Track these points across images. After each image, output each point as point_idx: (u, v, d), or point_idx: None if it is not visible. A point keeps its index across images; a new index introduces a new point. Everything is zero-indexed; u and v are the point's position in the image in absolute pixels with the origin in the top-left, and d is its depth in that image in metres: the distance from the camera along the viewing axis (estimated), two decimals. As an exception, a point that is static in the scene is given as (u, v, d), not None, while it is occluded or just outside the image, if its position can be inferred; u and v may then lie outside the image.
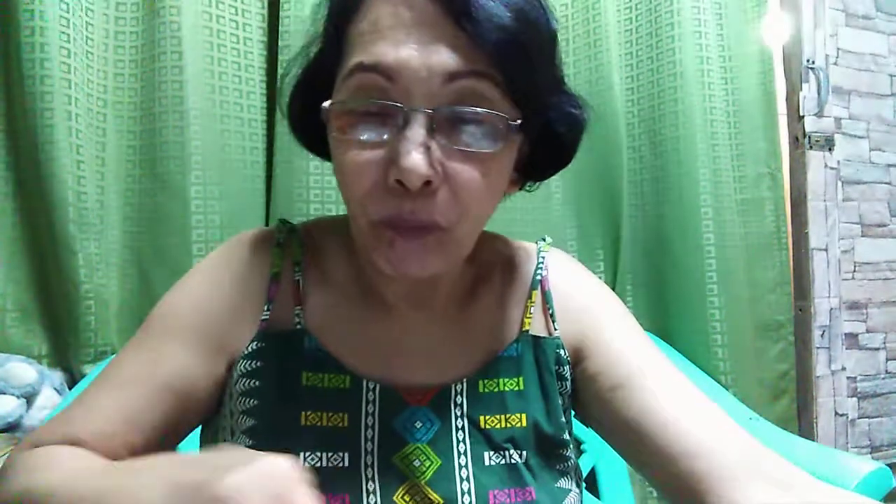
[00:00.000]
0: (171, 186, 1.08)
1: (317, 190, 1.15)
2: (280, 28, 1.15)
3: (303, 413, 0.53)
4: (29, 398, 0.96)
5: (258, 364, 0.55)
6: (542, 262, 0.64)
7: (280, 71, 1.15)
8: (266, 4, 1.19)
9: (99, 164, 1.08)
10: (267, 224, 1.17)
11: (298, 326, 0.56)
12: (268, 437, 0.52)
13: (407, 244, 0.48)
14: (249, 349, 0.55)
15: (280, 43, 1.15)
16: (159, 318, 0.57)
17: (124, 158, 1.10)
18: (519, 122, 0.48)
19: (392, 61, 0.46)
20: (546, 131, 0.54)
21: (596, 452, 1.15)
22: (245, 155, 1.16)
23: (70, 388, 1.03)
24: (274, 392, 0.54)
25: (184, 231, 1.08)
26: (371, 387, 0.55)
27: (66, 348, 1.05)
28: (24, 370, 0.96)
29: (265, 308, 0.56)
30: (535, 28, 0.48)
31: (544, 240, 0.68)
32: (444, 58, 0.46)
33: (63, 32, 1.01)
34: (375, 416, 0.54)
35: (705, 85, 1.37)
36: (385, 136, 0.47)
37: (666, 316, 1.38)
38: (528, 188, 0.60)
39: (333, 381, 0.55)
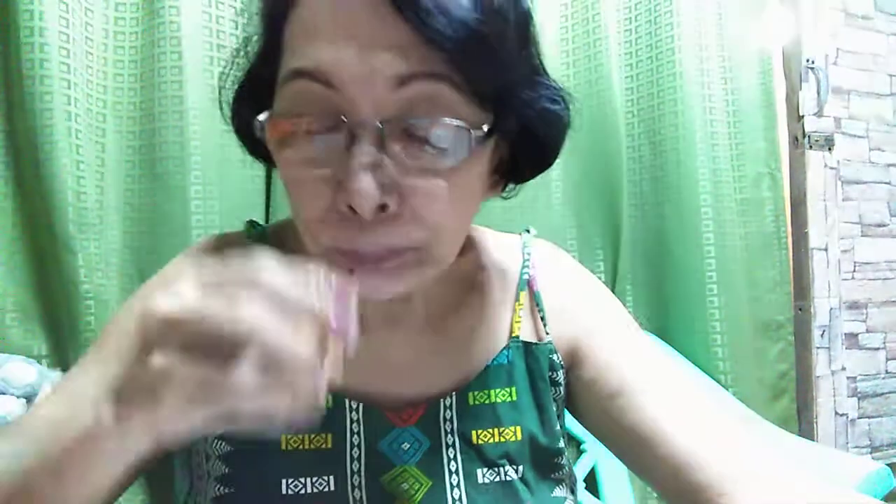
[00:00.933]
0: (170, 186, 1.08)
1: (317, 190, 1.15)
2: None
3: (283, 436, 0.50)
4: (29, 398, 0.96)
5: None
6: (529, 259, 0.60)
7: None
8: (266, 4, 1.19)
9: (99, 164, 1.08)
10: (266, 223, 1.17)
11: None
12: (246, 464, 0.50)
13: (371, 275, 0.42)
14: None
15: (280, 43, 1.15)
16: (110, 334, 0.51)
17: (124, 158, 1.10)
18: (486, 128, 0.42)
19: (330, 66, 0.39)
20: (524, 132, 0.47)
21: (596, 452, 1.15)
22: (245, 155, 1.14)
23: (70, 389, 1.02)
24: None
25: (184, 231, 1.08)
26: (354, 406, 0.51)
27: (66, 348, 1.05)
28: (24, 370, 0.96)
29: None
30: (500, 14, 0.41)
31: (528, 231, 0.63)
32: (391, 59, 0.39)
33: (63, 32, 1.01)
34: (361, 435, 0.51)
35: (705, 85, 1.37)
36: (331, 153, 0.40)
37: (666, 316, 1.37)
38: (510, 192, 0.54)
39: None
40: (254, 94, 0.45)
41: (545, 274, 0.60)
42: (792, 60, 1.57)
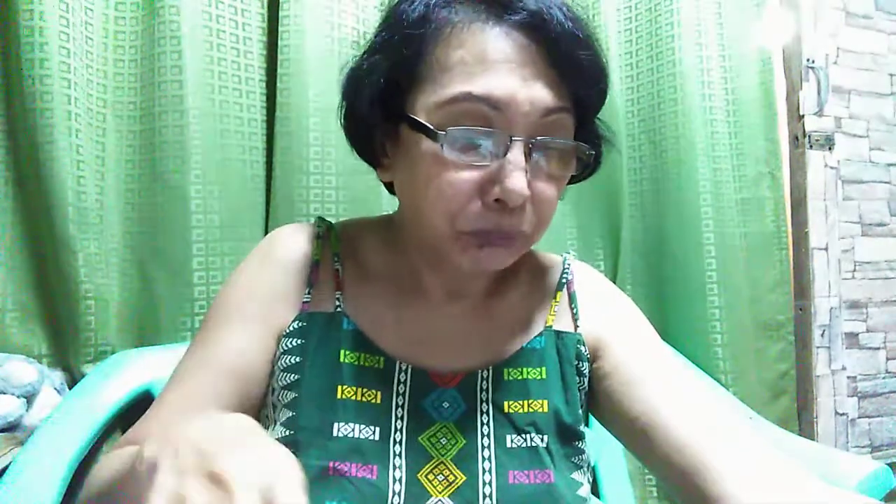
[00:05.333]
0: (171, 186, 1.08)
1: (317, 190, 1.15)
2: (280, 28, 1.15)
3: (339, 386, 0.58)
4: (29, 398, 0.96)
5: (300, 341, 0.60)
6: (568, 268, 0.70)
7: (280, 70, 1.14)
8: (266, 4, 1.19)
9: (99, 164, 1.08)
10: (266, 223, 1.17)
11: (338, 309, 0.61)
12: (306, 409, 0.57)
13: (495, 249, 0.55)
14: (292, 327, 0.60)
15: (280, 43, 1.15)
16: (217, 308, 0.62)
17: (124, 158, 1.10)
18: (593, 153, 0.57)
19: (501, 94, 0.51)
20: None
21: (596, 452, 1.15)
22: (245, 155, 1.16)
23: (70, 388, 1.02)
24: (313, 366, 0.58)
25: (184, 231, 1.08)
26: (403, 368, 0.60)
27: (66, 348, 1.05)
28: (24, 370, 0.96)
29: (307, 291, 0.62)
30: (606, 67, 0.57)
31: (568, 252, 0.74)
32: (544, 94, 0.52)
33: (63, 32, 1.01)
34: (406, 395, 0.59)
35: (705, 85, 1.37)
36: (486, 160, 0.52)
37: (666, 316, 1.38)
38: None
39: (369, 360, 0.59)
40: (381, 99, 0.56)
41: (580, 280, 0.69)
42: (792, 60, 1.57)
